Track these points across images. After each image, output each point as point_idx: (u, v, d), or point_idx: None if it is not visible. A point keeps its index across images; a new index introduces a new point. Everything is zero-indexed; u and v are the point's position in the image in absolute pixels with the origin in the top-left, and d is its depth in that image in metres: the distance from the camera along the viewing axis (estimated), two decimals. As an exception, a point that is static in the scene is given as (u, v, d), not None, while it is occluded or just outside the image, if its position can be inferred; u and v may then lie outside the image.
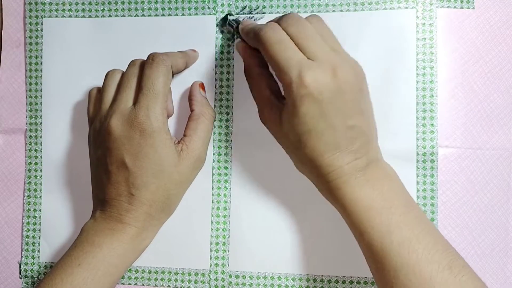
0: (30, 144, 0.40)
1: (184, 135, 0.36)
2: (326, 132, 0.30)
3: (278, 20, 0.32)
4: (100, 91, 0.37)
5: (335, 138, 0.30)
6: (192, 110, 0.37)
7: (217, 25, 0.38)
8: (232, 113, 0.38)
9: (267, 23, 0.33)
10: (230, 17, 0.37)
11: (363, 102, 0.32)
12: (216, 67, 0.39)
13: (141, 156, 0.33)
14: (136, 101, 0.33)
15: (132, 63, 0.35)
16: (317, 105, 0.30)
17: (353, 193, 0.31)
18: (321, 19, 0.32)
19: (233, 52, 0.38)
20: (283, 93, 0.32)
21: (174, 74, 0.36)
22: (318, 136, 0.30)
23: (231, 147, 0.38)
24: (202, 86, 0.38)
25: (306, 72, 0.29)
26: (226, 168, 0.38)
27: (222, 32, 0.38)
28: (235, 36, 0.38)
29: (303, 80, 0.29)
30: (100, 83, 0.37)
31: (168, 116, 0.38)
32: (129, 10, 0.40)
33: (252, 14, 0.38)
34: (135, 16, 0.39)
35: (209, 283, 0.38)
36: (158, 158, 0.33)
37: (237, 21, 0.37)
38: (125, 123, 0.33)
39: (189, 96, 0.38)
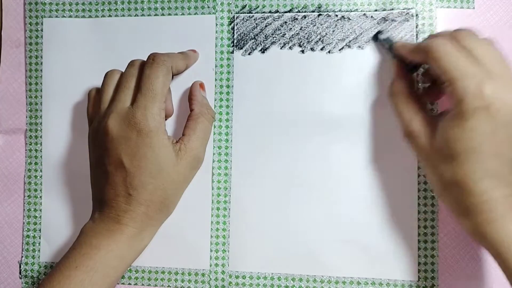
0: (30, 144, 0.40)
1: (183, 135, 0.35)
2: (491, 157, 0.27)
3: (450, 32, 0.30)
4: (99, 92, 0.36)
5: (497, 166, 0.27)
6: (191, 110, 0.36)
7: (372, 42, 0.36)
8: (232, 113, 0.38)
9: (435, 37, 0.30)
10: (380, 36, 0.36)
11: None
12: (216, 67, 0.38)
13: (139, 156, 0.32)
14: (134, 101, 0.33)
15: (131, 64, 0.35)
16: (490, 123, 0.27)
17: (506, 231, 0.27)
18: (493, 42, 0.30)
19: (233, 53, 0.38)
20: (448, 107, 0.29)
21: (174, 75, 0.36)
22: (480, 158, 0.27)
23: (231, 147, 0.38)
24: (202, 86, 0.38)
25: (487, 83, 0.27)
26: (226, 168, 0.38)
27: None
28: (389, 54, 0.36)
29: (482, 91, 0.26)
30: (100, 83, 0.36)
31: (168, 116, 0.37)
32: (129, 10, 0.39)
33: (252, 13, 0.38)
34: (135, 16, 0.39)
35: (209, 283, 0.38)
36: (155, 158, 0.32)
37: (389, 41, 0.35)
38: (122, 123, 0.32)
39: (189, 95, 0.37)
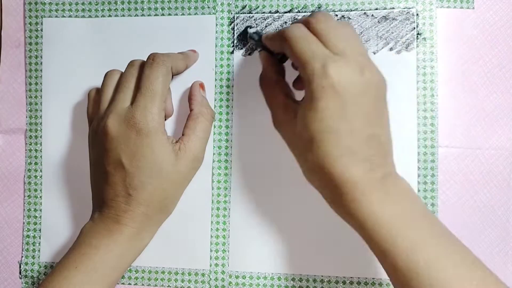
0: (30, 144, 0.40)
1: (183, 135, 0.35)
2: (344, 134, 0.27)
3: (306, 18, 0.30)
4: (99, 92, 0.36)
5: (353, 142, 0.27)
6: (191, 110, 0.36)
7: (237, 38, 0.37)
8: (232, 113, 0.38)
9: (292, 24, 0.31)
10: (250, 30, 0.36)
11: (385, 112, 0.29)
12: (216, 67, 0.38)
13: (138, 156, 0.32)
14: (134, 101, 0.33)
15: (131, 64, 0.35)
16: (339, 102, 0.27)
17: (371, 208, 0.27)
18: (350, 24, 0.30)
19: (233, 53, 0.38)
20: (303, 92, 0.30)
21: (174, 75, 0.36)
22: (334, 137, 0.27)
23: (231, 147, 0.38)
24: (202, 86, 0.37)
25: (331, 64, 0.27)
26: (226, 168, 0.38)
27: (243, 45, 0.37)
28: (257, 49, 0.36)
29: (327, 70, 0.27)
30: (100, 83, 0.36)
31: (168, 117, 0.37)
32: (129, 10, 0.39)
33: (252, 13, 0.38)
34: (134, 16, 0.39)
35: (209, 283, 0.38)
36: (155, 158, 0.32)
37: (258, 33, 0.36)
38: (121, 123, 0.32)
39: (189, 95, 0.37)
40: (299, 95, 0.34)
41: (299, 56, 0.29)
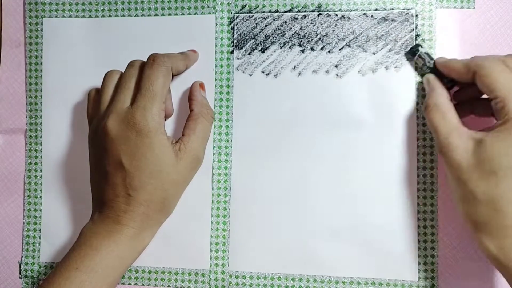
0: (30, 144, 0.39)
1: (183, 135, 0.35)
2: None
3: (500, 57, 0.31)
4: (99, 92, 0.36)
5: None
6: (191, 110, 0.36)
7: (404, 55, 0.36)
8: (232, 113, 0.38)
9: (483, 57, 0.31)
10: (421, 49, 0.35)
11: None
12: (216, 67, 0.38)
13: (138, 157, 0.32)
14: (134, 101, 0.33)
15: (131, 64, 0.35)
16: None
17: None
18: None
19: (233, 53, 0.38)
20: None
21: (174, 75, 0.36)
22: None
23: (231, 147, 0.38)
24: (202, 86, 0.37)
25: None
26: (226, 168, 0.38)
27: (409, 59, 0.36)
28: (424, 68, 0.35)
29: None
30: (100, 83, 0.36)
31: (168, 117, 0.37)
32: (129, 10, 0.39)
33: (252, 13, 0.38)
34: (135, 16, 0.39)
35: (209, 283, 0.37)
36: (155, 158, 0.32)
37: (429, 55, 0.35)
38: (121, 123, 0.32)
39: (189, 95, 0.37)
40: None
41: (500, 88, 0.29)
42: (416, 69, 0.36)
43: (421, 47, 0.36)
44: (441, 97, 0.33)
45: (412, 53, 0.36)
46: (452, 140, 0.31)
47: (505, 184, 0.28)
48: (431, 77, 0.35)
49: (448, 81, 0.34)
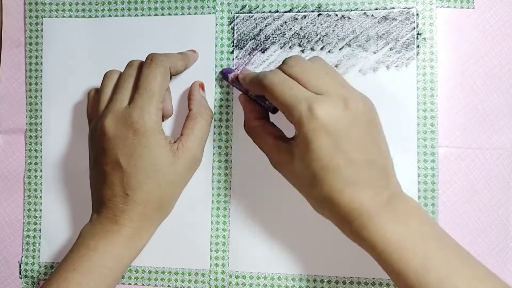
0: (30, 144, 0.39)
1: (181, 134, 0.34)
2: (343, 167, 0.28)
3: (280, 66, 0.31)
4: (98, 92, 0.36)
5: (353, 173, 0.28)
6: (190, 110, 0.36)
7: (216, 79, 0.37)
8: (232, 113, 0.38)
9: (269, 71, 0.31)
10: (230, 75, 0.36)
11: (379, 136, 0.30)
12: (216, 67, 0.38)
13: (135, 156, 0.32)
14: (131, 101, 0.32)
15: (130, 64, 0.34)
16: (332, 138, 0.28)
17: (380, 231, 0.28)
18: (322, 59, 0.31)
19: (233, 53, 0.38)
20: (293, 134, 0.30)
21: (172, 75, 0.35)
22: (334, 172, 0.28)
23: (231, 147, 0.38)
24: (202, 86, 0.37)
25: (317, 104, 0.28)
26: (226, 168, 0.38)
27: (221, 86, 0.37)
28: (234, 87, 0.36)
29: (314, 112, 0.27)
30: (100, 83, 0.36)
31: (168, 117, 0.37)
32: (129, 10, 0.39)
33: (252, 13, 0.38)
34: (134, 16, 0.39)
35: (209, 283, 0.37)
36: (152, 158, 0.32)
37: (229, 71, 0.36)
38: (119, 123, 0.32)
39: (188, 95, 0.36)
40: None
41: (282, 101, 0.29)
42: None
43: (228, 72, 0.36)
44: (251, 121, 0.34)
45: (224, 77, 0.37)
46: (274, 158, 0.32)
47: (326, 184, 0.28)
48: (240, 98, 0.36)
49: (269, 104, 0.34)
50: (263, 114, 0.35)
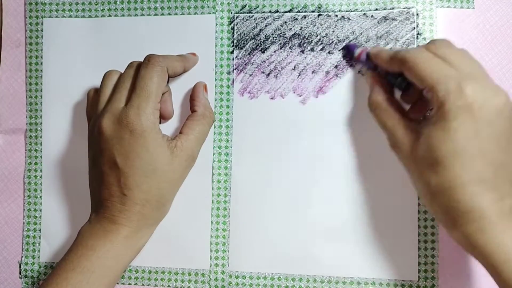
0: (30, 144, 0.39)
1: (181, 133, 0.34)
2: (477, 158, 0.25)
3: (425, 45, 0.30)
4: (97, 92, 0.35)
5: (484, 168, 0.26)
6: (194, 111, 0.36)
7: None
8: (232, 113, 0.38)
9: (411, 48, 0.30)
10: (357, 50, 0.35)
11: None
12: (216, 67, 0.38)
13: (132, 156, 0.32)
14: (128, 101, 0.32)
15: (130, 65, 0.34)
16: (474, 123, 0.25)
17: (501, 239, 0.25)
18: (468, 52, 0.30)
19: (233, 53, 0.38)
20: (429, 113, 0.29)
21: (171, 76, 0.35)
22: (466, 160, 0.26)
23: (231, 147, 0.37)
24: (205, 88, 0.37)
25: (467, 82, 0.26)
26: (226, 168, 0.37)
27: (346, 59, 0.36)
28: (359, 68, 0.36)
29: (463, 90, 0.26)
30: (100, 83, 0.36)
31: (168, 118, 0.37)
32: (129, 10, 0.39)
33: (252, 13, 0.37)
34: (134, 16, 0.39)
35: (209, 283, 0.37)
36: (149, 157, 0.32)
37: (366, 53, 0.35)
38: (116, 123, 0.32)
39: (192, 96, 0.36)
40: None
41: (428, 76, 0.28)
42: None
43: (356, 47, 0.35)
44: (379, 94, 0.33)
45: (348, 53, 0.36)
46: (397, 137, 0.30)
47: (451, 172, 0.26)
48: (368, 74, 0.34)
49: (401, 81, 0.33)
50: (391, 91, 0.33)
